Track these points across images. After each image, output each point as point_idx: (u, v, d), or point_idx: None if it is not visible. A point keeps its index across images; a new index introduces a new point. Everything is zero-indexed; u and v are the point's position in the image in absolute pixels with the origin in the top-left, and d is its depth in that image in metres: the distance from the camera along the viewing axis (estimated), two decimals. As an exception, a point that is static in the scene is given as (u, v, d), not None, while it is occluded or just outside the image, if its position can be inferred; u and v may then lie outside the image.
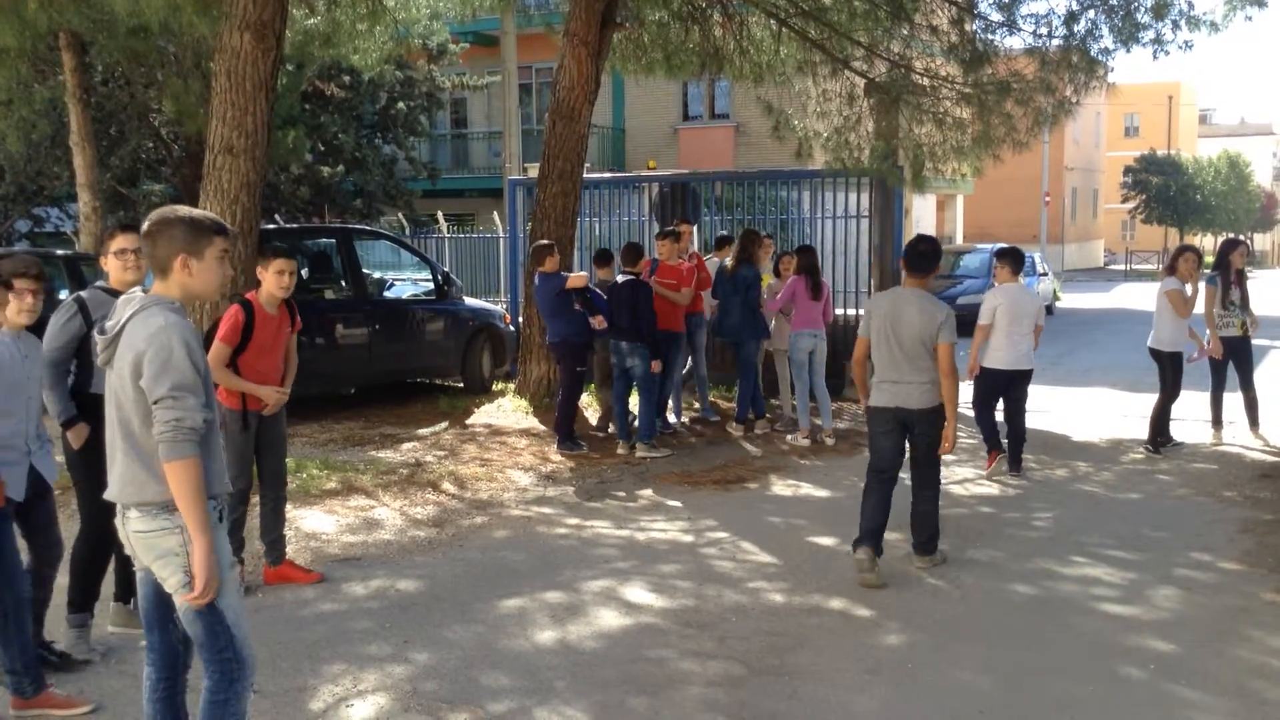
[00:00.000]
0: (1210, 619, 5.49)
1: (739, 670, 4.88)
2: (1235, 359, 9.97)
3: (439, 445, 9.76)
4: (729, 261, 10.58)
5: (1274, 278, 37.74)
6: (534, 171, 13.15)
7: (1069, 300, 28.85)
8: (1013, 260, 8.85)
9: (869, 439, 6.42)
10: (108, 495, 3.42)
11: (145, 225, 3.40)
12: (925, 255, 6.24)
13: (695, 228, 12.62)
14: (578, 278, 9.62)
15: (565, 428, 9.69)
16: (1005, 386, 8.80)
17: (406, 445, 9.74)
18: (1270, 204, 71.02)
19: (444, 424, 10.72)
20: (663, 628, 5.43)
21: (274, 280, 5.74)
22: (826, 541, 6.94)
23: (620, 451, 9.50)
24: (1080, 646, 5.14)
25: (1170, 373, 9.69)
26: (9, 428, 4.40)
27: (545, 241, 10.23)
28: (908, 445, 6.33)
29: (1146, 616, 5.56)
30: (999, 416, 9.03)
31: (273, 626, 5.42)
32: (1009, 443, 8.91)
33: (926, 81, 11.95)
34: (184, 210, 3.44)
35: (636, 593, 5.95)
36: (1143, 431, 10.58)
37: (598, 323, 9.63)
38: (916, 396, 6.11)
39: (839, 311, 11.92)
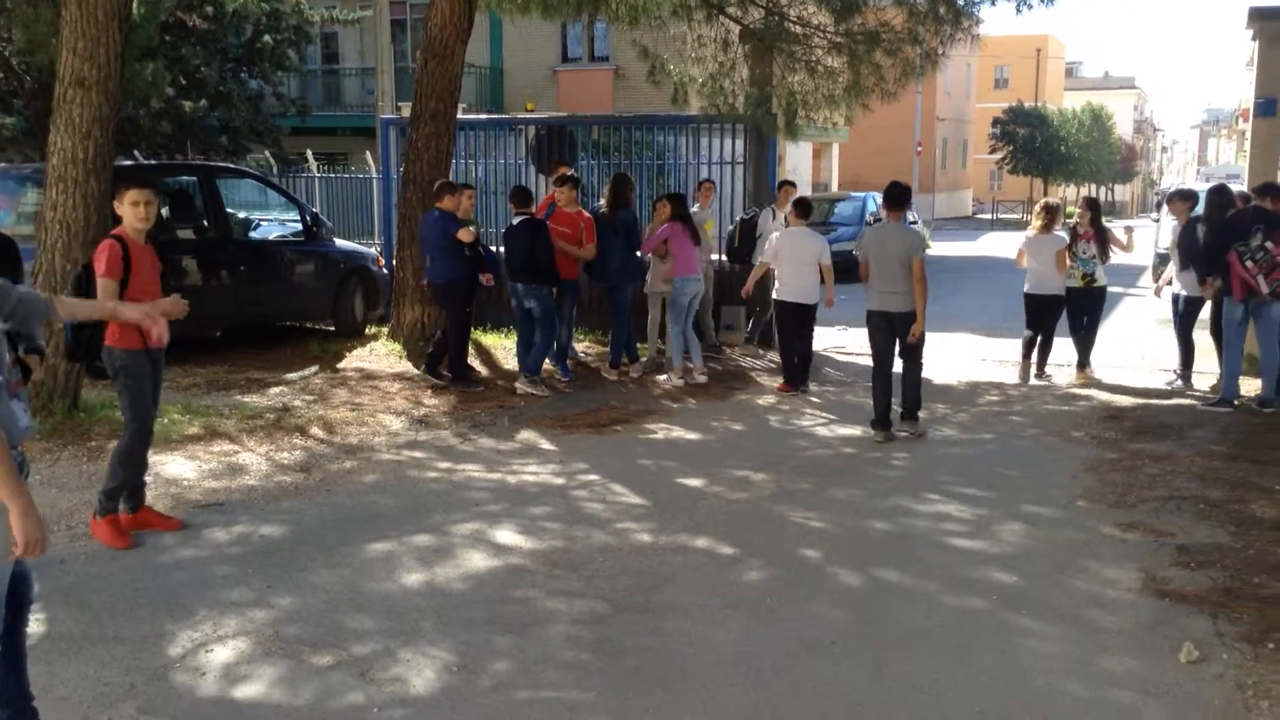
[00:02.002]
0: (1051, 552, 5.79)
1: (604, 608, 4.97)
2: (1076, 306, 10.49)
3: (308, 390, 9.60)
4: (604, 206, 10.61)
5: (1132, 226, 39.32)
6: (408, 110, 12.87)
7: (938, 248, 29.60)
8: (799, 207, 10.00)
9: (869, 335, 8.33)
10: None
11: None
12: (899, 196, 8.18)
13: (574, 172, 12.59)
14: (467, 232, 9.52)
15: (459, 367, 9.76)
16: (794, 316, 9.89)
17: (274, 390, 9.56)
18: (1130, 156, 73.93)
19: (314, 368, 10.54)
20: (531, 568, 5.48)
21: (131, 212, 5.55)
22: (694, 482, 7.07)
23: (517, 385, 9.58)
24: (930, 579, 5.37)
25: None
26: None
27: (449, 180, 10.14)
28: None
29: (993, 550, 5.84)
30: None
31: (131, 572, 5.31)
32: (796, 365, 10.04)
33: (799, 29, 12.07)
34: None
35: (506, 535, 5.99)
36: (998, 375, 11.06)
37: (486, 280, 9.62)
38: (897, 302, 8.07)
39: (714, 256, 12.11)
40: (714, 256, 12.15)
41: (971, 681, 4.29)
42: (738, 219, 11.90)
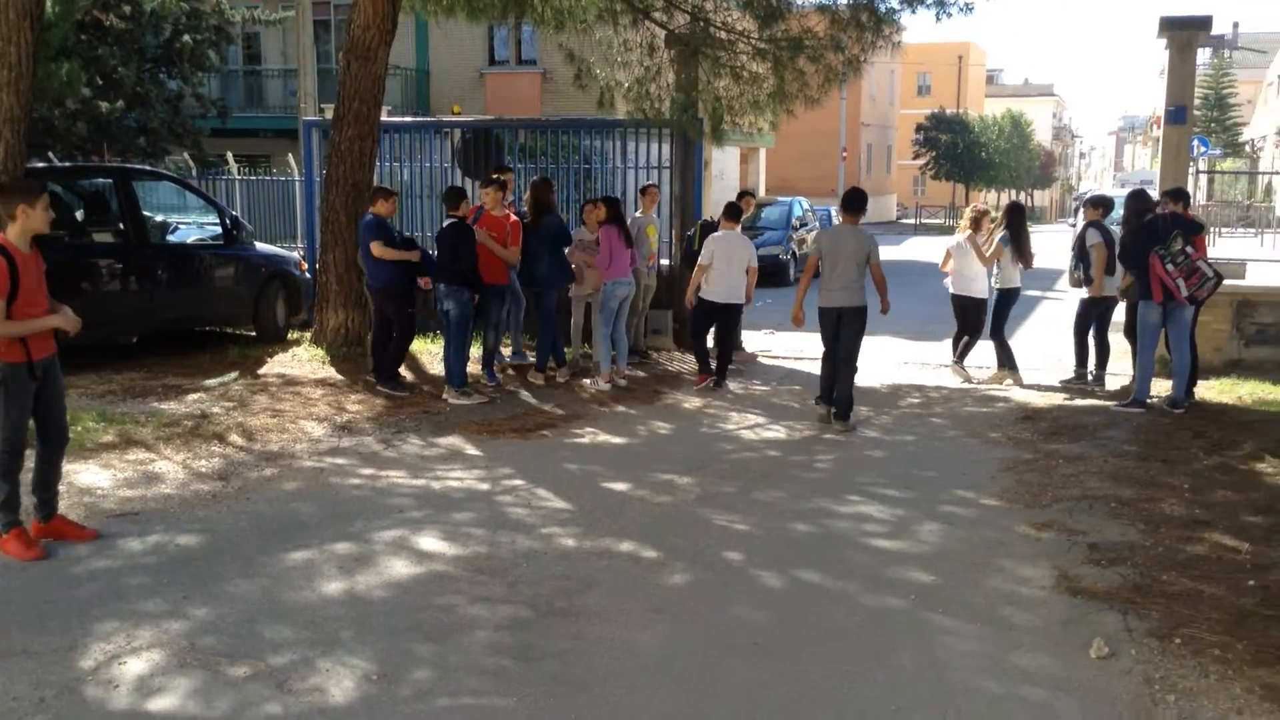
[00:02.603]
0: (968, 551, 5.90)
1: (527, 614, 4.96)
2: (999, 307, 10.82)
3: (228, 396, 9.43)
4: (526, 212, 10.61)
5: (1050, 232, 40.18)
6: (331, 112, 12.72)
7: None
8: (729, 211, 10.52)
9: (821, 327, 8.96)
10: None
11: None
12: (856, 201, 9.02)
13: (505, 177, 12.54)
14: (381, 249, 9.48)
15: (390, 369, 9.75)
16: (721, 315, 10.40)
17: (192, 396, 9.38)
18: (1049, 162, 75.60)
19: (234, 374, 10.36)
20: (454, 575, 5.45)
21: (43, 217, 5.46)
22: (620, 486, 7.08)
23: (445, 396, 9.49)
24: (850, 579, 5.45)
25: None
26: None
27: (385, 186, 10.33)
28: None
29: (911, 550, 5.93)
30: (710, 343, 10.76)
31: (42, 584, 5.18)
32: (717, 362, 10.54)
33: (724, 35, 12.16)
34: None
35: (429, 541, 5.95)
36: (920, 377, 11.26)
37: (424, 284, 9.62)
38: (848, 298, 8.75)
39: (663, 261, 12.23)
40: (663, 261, 12.21)
41: (889, 680, 4.36)
42: (699, 222, 11.96)
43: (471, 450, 8.01)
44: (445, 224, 9.60)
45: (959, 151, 55.17)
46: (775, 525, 6.31)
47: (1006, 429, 8.84)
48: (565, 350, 11.14)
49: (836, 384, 8.87)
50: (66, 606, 4.93)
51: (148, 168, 15.55)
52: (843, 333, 8.83)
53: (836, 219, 24.20)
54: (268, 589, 5.22)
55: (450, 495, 6.86)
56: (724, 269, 10.21)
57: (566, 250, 10.71)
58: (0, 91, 7.86)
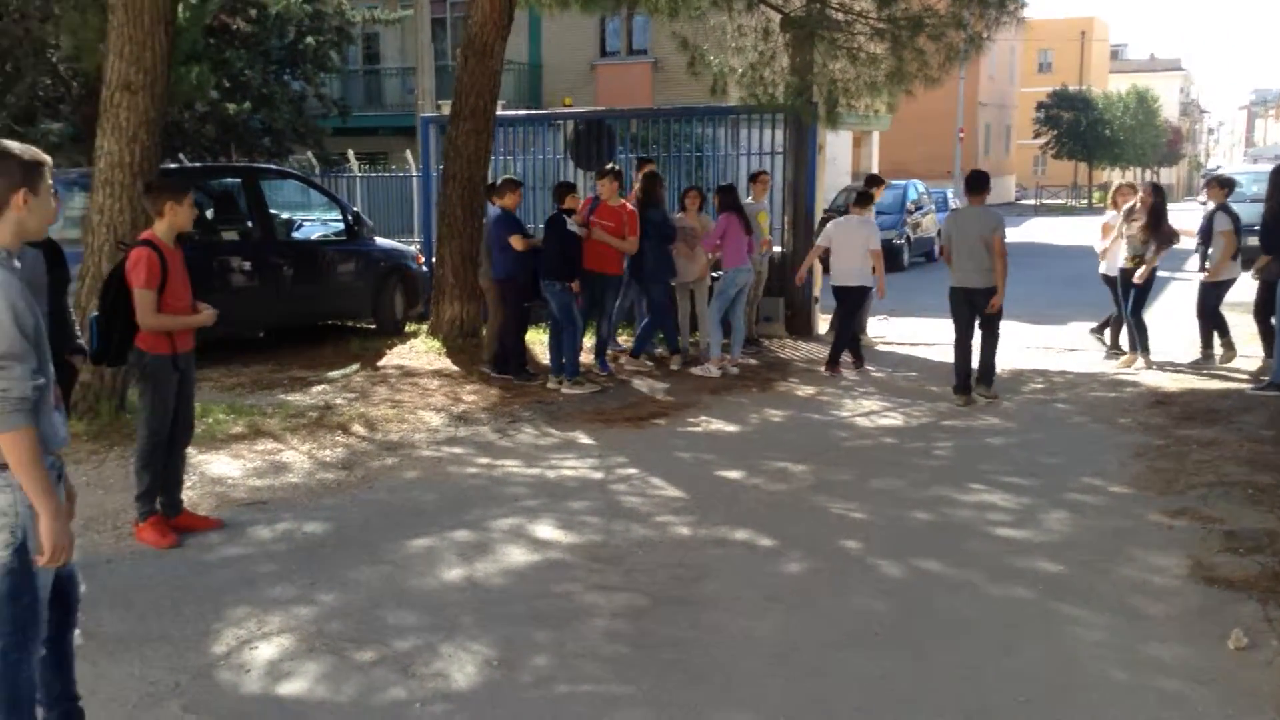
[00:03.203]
0: (1097, 540, 5.70)
1: (643, 601, 4.96)
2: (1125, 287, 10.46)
3: (350, 388, 9.67)
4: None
5: (1179, 211, 38.65)
6: (448, 109, 12.92)
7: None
8: (859, 198, 10.64)
9: (952, 310, 9.04)
10: None
11: None
12: (979, 182, 9.05)
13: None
14: (519, 240, 9.58)
15: (518, 360, 9.93)
16: (842, 298, 10.35)
17: (316, 388, 9.64)
18: (1176, 139, 72.66)
19: (355, 366, 10.61)
20: (570, 563, 5.49)
21: (188, 215, 5.68)
22: (734, 474, 7.04)
23: (550, 386, 9.55)
24: (974, 569, 5.31)
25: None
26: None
27: (512, 177, 10.43)
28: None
29: (1037, 539, 5.76)
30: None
31: (176, 572, 5.37)
32: (833, 345, 10.54)
33: (841, 16, 11.98)
34: (11, 143, 3.24)
35: (545, 529, 6.00)
36: (1043, 362, 10.95)
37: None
38: (978, 279, 8.81)
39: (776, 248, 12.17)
40: (776, 249, 12.13)
41: (1016, 670, 4.24)
42: (825, 210, 11.98)
43: (585, 439, 8.06)
44: (550, 216, 9.73)
45: (1082, 130, 53.42)
46: (894, 513, 6.19)
47: (1136, 414, 8.53)
48: (677, 339, 11.13)
49: (981, 354, 9.03)
50: (200, 593, 5.11)
51: (274, 167, 16.04)
52: (977, 311, 8.93)
53: (954, 202, 23.98)
54: (391, 576, 5.32)
55: (565, 484, 6.91)
56: (844, 253, 10.24)
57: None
58: (137, 95, 8.14)
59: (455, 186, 11.51)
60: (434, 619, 4.79)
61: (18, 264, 3.22)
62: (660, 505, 6.43)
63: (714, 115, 13.68)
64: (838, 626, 4.66)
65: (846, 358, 10.56)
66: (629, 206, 10.26)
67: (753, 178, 11.64)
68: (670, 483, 6.89)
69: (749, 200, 11.38)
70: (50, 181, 3.28)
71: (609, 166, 10.66)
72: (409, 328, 12.60)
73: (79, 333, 5.61)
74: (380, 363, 10.80)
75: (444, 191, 11.72)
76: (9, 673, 3.25)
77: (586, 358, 10.33)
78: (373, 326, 12.60)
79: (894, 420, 8.58)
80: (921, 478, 6.93)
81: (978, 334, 9.08)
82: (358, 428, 8.26)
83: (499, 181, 10.37)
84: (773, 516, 6.17)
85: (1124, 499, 6.40)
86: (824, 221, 11.77)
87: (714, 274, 10.74)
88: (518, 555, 5.61)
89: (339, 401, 9.07)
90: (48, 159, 3.31)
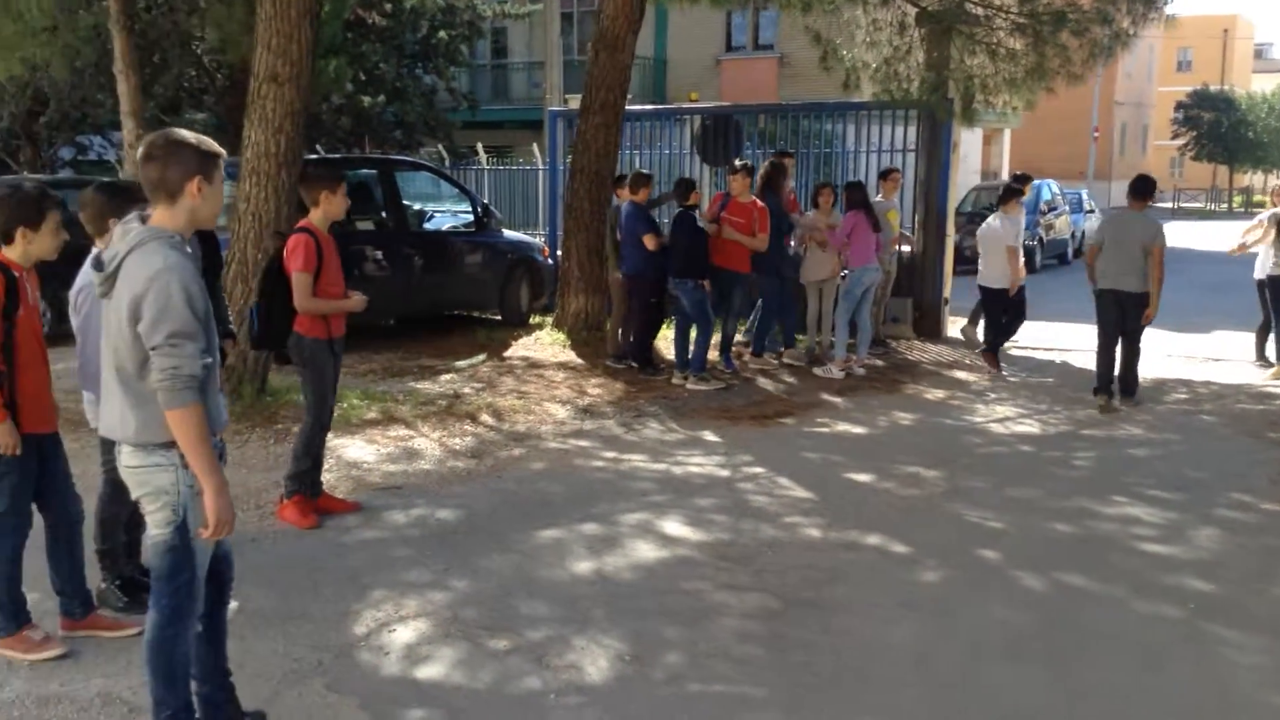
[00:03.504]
0: (1250, 559, 5.45)
1: (774, 603, 4.91)
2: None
3: (476, 377, 9.81)
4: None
5: None
6: (575, 103, 13.01)
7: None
8: (1006, 194, 10.64)
9: (1098, 312, 8.91)
10: (101, 431, 3.41)
11: (149, 148, 3.25)
12: (1144, 187, 8.96)
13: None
14: (652, 239, 9.60)
15: (645, 354, 9.97)
16: (988, 299, 10.43)
17: (444, 377, 9.80)
18: (1325, 142, 69.12)
19: (481, 356, 10.76)
20: (699, 560, 5.46)
21: (340, 204, 5.83)
22: (863, 477, 6.93)
23: (675, 381, 9.56)
24: (1119, 584, 5.12)
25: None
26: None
27: (643, 171, 10.40)
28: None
29: (1186, 556, 5.53)
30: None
31: (314, 551, 5.51)
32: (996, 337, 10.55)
33: (980, 11, 11.69)
34: (187, 133, 3.33)
35: (673, 525, 5.98)
36: (1186, 372, 10.53)
37: None
38: (1132, 283, 8.68)
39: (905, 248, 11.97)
40: (905, 249, 11.92)
41: (1164, 691, 4.08)
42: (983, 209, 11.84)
43: (711, 436, 8.02)
44: (677, 213, 9.67)
45: (1223, 131, 51.24)
46: (1033, 524, 6.01)
47: (1288, 429, 8.14)
48: (798, 338, 11.03)
49: (1122, 364, 8.88)
50: (338, 574, 5.23)
51: (408, 159, 16.38)
52: (1127, 320, 8.79)
53: (1088, 203, 23.41)
54: (521, 565, 5.37)
55: (691, 481, 6.89)
56: (988, 254, 10.32)
57: (797, 234, 10.62)
58: (283, 86, 8.37)
59: (583, 180, 11.58)
60: (565, 611, 4.81)
61: (189, 249, 3.33)
62: (788, 506, 6.36)
63: (844, 110, 13.49)
64: (977, 638, 4.54)
65: (978, 360, 10.34)
66: (759, 203, 10.17)
67: (883, 175, 11.43)
68: (798, 483, 6.80)
69: (878, 198, 11.18)
70: (223, 172, 3.38)
71: (741, 162, 10.58)
72: (533, 320, 12.73)
73: (229, 317, 5.80)
74: (506, 354, 10.94)
75: (571, 185, 11.79)
76: (166, 646, 3.36)
77: (711, 354, 10.28)
78: (498, 318, 12.77)
79: (1030, 427, 8.34)
80: (1061, 488, 6.71)
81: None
82: (486, 417, 8.36)
83: (629, 175, 10.38)
84: (905, 522, 6.05)
85: (1277, 517, 6.10)
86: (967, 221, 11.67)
87: (844, 273, 10.59)
88: (646, 551, 5.60)
89: (467, 391, 9.20)
90: (222, 150, 3.42)
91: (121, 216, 4.39)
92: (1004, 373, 10.27)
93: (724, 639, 4.54)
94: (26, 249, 4.23)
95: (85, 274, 4.51)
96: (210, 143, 3.37)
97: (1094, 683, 4.15)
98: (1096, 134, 43.46)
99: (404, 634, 4.57)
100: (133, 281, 3.17)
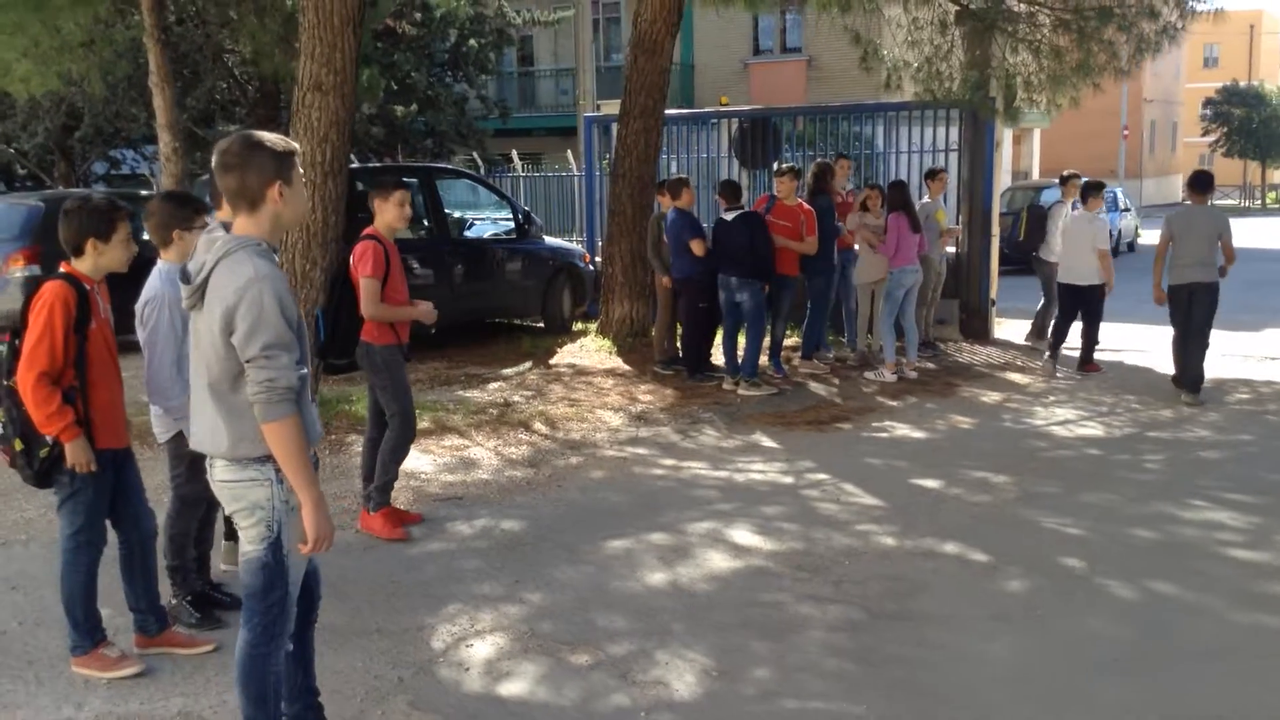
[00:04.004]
0: (1348, 566, 5.27)
1: (859, 615, 4.77)
2: None
3: (525, 385, 9.71)
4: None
5: None
6: (607, 108, 12.94)
7: (1149, 236, 28.01)
8: (1087, 189, 10.54)
9: (1170, 308, 8.99)
10: (192, 444, 3.30)
11: (224, 156, 3.11)
12: (1205, 182, 9.20)
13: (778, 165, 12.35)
14: (701, 246, 9.48)
15: (695, 358, 9.88)
16: (1066, 295, 10.32)
17: (493, 385, 9.70)
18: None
19: (528, 364, 10.67)
20: (774, 570, 5.33)
21: (398, 212, 5.74)
22: (931, 483, 6.78)
23: (726, 387, 9.43)
24: (1213, 594, 4.95)
25: None
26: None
27: (683, 176, 10.25)
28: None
29: (1278, 563, 5.35)
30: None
31: (383, 564, 5.41)
32: (1083, 346, 10.43)
33: (1022, 8, 11.52)
34: (262, 134, 3.19)
35: (742, 535, 5.85)
36: (1244, 371, 10.33)
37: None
38: (1202, 274, 8.82)
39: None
40: (950, 249, 11.75)
41: (1281, 708, 3.91)
42: (1023, 208, 11.70)
43: (768, 443, 7.89)
44: (732, 216, 9.46)
45: (1254, 127, 50.65)
46: (1113, 530, 5.84)
47: (1362, 429, 7.94)
48: (830, 339, 10.90)
49: (1186, 358, 8.99)
50: (410, 587, 5.12)
51: (450, 167, 16.31)
52: (1194, 309, 8.87)
53: (1123, 201, 23.22)
54: (594, 577, 5.25)
55: (755, 488, 6.75)
56: (1074, 250, 10.24)
57: (848, 232, 10.49)
58: (328, 95, 8.28)
59: (625, 185, 11.47)
60: (644, 624, 4.69)
61: (276, 257, 3.23)
62: (859, 513, 6.21)
63: (883, 111, 13.34)
64: (1076, 652, 4.38)
65: (1042, 359, 10.27)
66: (805, 206, 10.03)
67: (929, 175, 11.26)
68: (864, 490, 6.66)
69: (925, 199, 11.03)
70: (299, 169, 3.27)
71: (787, 165, 10.44)
72: (576, 327, 12.62)
73: None
74: (552, 361, 10.84)
75: (613, 190, 11.69)
76: (258, 666, 3.26)
77: (761, 359, 10.14)
78: (540, 325, 12.66)
79: (1093, 430, 8.16)
80: (1136, 492, 6.54)
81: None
82: (539, 425, 8.26)
83: (670, 180, 10.24)
84: (981, 529, 5.89)
85: (1367, 521, 5.92)
86: (1035, 218, 11.56)
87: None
88: (719, 561, 5.47)
89: (516, 399, 9.10)
90: (297, 146, 3.30)
91: (188, 227, 4.34)
92: (1058, 374, 10.09)
93: (812, 652, 4.41)
94: (97, 261, 4.15)
95: (152, 285, 4.43)
96: (285, 140, 3.24)
97: (1204, 698, 3.99)
98: (1126, 132, 43.08)
99: (482, 649, 4.46)
100: (223, 293, 3.06)
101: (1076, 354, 10.41)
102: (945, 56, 11.75)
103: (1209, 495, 6.43)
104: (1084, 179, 10.74)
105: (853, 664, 4.29)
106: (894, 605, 4.87)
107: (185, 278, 3.20)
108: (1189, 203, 9.45)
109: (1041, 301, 11.69)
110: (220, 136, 16.10)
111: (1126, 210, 24.49)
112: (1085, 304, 10.16)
